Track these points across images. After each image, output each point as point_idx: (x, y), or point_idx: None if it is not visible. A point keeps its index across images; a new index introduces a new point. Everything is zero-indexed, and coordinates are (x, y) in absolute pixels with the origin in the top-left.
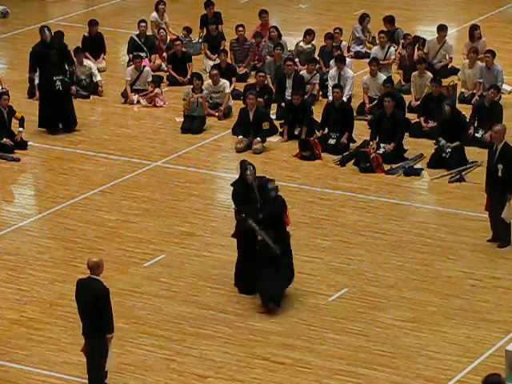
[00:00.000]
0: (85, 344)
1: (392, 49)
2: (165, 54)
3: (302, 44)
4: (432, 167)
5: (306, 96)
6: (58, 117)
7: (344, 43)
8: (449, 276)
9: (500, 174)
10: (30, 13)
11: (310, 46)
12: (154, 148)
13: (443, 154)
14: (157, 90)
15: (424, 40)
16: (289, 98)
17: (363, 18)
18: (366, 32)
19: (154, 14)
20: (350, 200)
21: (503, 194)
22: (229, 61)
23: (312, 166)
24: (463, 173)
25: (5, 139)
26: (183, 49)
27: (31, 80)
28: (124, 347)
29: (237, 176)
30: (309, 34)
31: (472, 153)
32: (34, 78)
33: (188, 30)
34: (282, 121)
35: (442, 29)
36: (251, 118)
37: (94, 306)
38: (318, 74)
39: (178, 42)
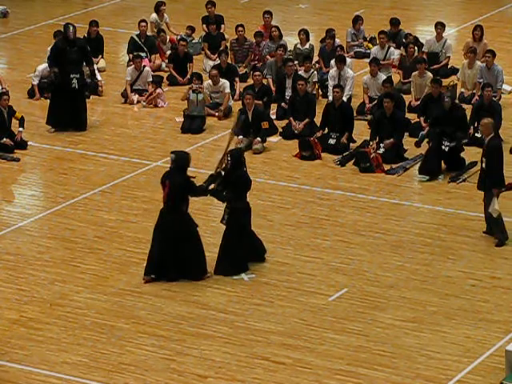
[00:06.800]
0: None
1: (392, 49)
2: (168, 53)
3: (299, 46)
4: (429, 172)
5: None
6: (68, 116)
7: (338, 40)
8: (449, 276)
9: (484, 167)
10: (30, 13)
11: (307, 46)
12: (153, 148)
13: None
14: (158, 91)
15: (422, 44)
16: (288, 97)
17: (356, 21)
18: (358, 35)
19: (154, 15)
20: (350, 200)
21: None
22: (229, 61)
23: (312, 166)
24: (466, 176)
25: (5, 139)
26: (185, 49)
27: (55, 74)
28: (124, 347)
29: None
30: (301, 35)
31: (472, 153)
32: (56, 72)
33: (192, 29)
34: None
35: (439, 26)
36: (250, 118)
37: None
38: (315, 73)
39: (183, 42)
